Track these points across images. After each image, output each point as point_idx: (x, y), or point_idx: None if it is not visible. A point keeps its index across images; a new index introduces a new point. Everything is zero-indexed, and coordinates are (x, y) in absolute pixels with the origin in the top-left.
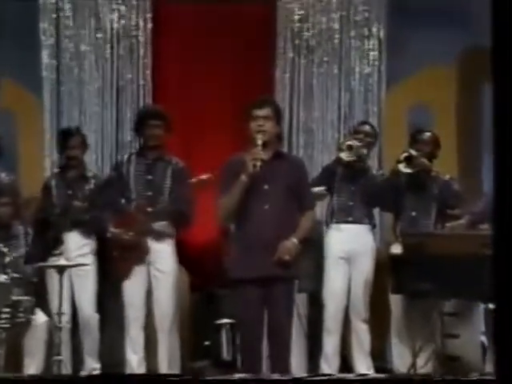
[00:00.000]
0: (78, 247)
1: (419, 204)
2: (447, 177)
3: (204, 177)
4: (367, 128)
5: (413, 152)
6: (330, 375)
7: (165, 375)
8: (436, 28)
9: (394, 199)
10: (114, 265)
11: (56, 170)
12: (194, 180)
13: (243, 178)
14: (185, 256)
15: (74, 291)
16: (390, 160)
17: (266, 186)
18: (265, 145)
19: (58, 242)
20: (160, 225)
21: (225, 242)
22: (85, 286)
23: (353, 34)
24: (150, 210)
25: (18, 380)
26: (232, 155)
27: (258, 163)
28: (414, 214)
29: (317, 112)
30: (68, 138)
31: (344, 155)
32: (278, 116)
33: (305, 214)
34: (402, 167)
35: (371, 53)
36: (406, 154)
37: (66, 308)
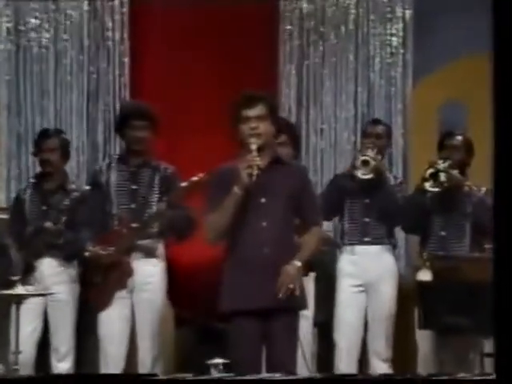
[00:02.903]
0: (53, 273)
1: (450, 223)
2: (483, 189)
3: (196, 178)
4: (379, 129)
5: (440, 167)
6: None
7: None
8: (473, 11)
9: (419, 220)
10: (91, 290)
11: (31, 180)
12: (185, 184)
13: (236, 190)
14: (168, 283)
15: (50, 327)
16: (418, 167)
17: (263, 199)
18: (260, 149)
19: (29, 267)
20: (147, 242)
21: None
22: (61, 320)
23: (372, 16)
24: (134, 225)
25: None
26: (222, 162)
27: (255, 172)
28: (443, 233)
29: (329, 110)
30: (42, 140)
31: (361, 173)
32: (273, 113)
33: (309, 231)
34: (429, 186)
35: (394, 39)
36: (431, 171)
37: (32, 348)
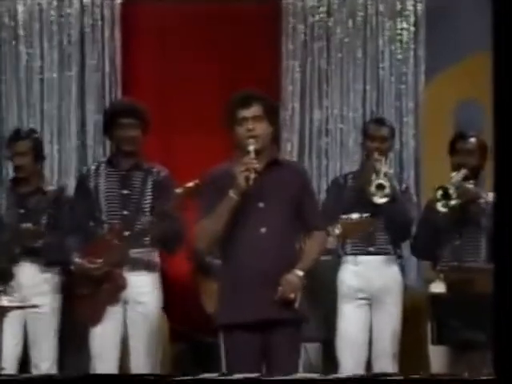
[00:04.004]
0: (34, 283)
1: (465, 233)
2: None
3: (191, 184)
4: (384, 131)
5: (450, 185)
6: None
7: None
8: (490, 5)
9: (431, 245)
10: (79, 304)
11: (7, 184)
12: (179, 190)
13: (232, 194)
14: (162, 296)
15: (29, 342)
16: (431, 170)
17: (261, 204)
18: (258, 152)
19: (6, 275)
20: (140, 252)
21: (197, 276)
22: (43, 334)
23: (382, 8)
24: (127, 233)
25: None
26: (215, 165)
27: (252, 175)
28: (458, 242)
29: (335, 109)
30: (13, 143)
31: (378, 199)
32: (270, 113)
33: (311, 237)
34: (440, 206)
35: (405, 34)
36: (441, 192)
37: (13, 365)
